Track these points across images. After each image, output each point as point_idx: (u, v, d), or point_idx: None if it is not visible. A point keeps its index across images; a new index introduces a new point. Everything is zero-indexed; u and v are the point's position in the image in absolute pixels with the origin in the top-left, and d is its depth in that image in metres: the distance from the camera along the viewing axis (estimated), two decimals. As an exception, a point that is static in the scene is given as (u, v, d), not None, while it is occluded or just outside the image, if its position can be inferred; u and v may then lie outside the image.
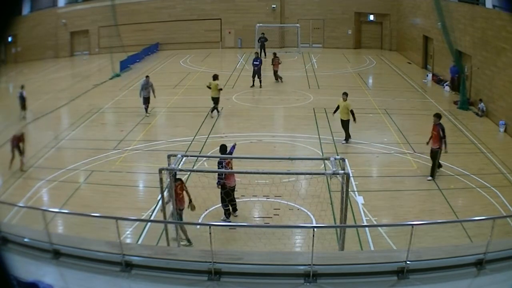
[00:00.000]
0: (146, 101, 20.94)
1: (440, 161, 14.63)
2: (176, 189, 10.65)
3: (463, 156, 16.36)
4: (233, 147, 13.30)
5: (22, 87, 21.17)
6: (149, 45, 37.48)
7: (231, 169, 12.01)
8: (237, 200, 12.59)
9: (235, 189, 12.36)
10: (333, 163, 9.05)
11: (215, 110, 20.82)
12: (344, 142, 17.55)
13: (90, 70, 33.12)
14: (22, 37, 32.92)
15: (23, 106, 20.93)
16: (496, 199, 13.00)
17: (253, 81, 25.97)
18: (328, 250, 9.61)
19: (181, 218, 10.97)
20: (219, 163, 12.07)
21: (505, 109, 19.16)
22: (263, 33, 35.30)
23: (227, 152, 12.59)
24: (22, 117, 20.86)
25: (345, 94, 17.53)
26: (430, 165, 14.78)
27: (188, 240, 10.78)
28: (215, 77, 20.64)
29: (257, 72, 25.73)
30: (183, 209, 11.04)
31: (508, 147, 17.54)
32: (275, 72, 27.17)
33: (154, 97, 21.15)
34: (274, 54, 27.74)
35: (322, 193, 11.96)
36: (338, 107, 17.60)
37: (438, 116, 14.79)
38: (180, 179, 10.91)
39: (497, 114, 19.74)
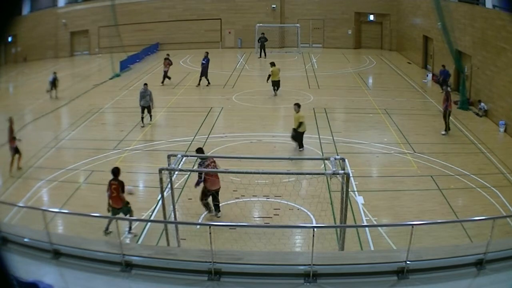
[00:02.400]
0: (144, 110, 19.56)
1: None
2: (111, 188, 10.93)
3: (463, 156, 16.36)
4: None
5: (55, 72, 24.53)
6: (149, 45, 37.48)
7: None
8: (237, 200, 12.59)
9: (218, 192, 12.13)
10: (333, 163, 9.05)
11: (275, 90, 24.04)
12: (301, 149, 16.66)
13: (90, 70, 33.13)
14: (22, 37, 32.93)
15: (55, 87, 24.39)
16: (496, 199, 13.00)
17: (200, 80, 26.14)
18: (328, 250, 9.61)
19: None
20: (200, 164, 11.87)
21: (505, 109, 19.15)
22: (263, 33, 35.31)
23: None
24: (55, 97, 24.34)
25: (297, 105, 16.76)
26: (430, 164, 15.06)
27: (107, 229, 10.89)
28: (273, 64, 23.81)
29: (202, 71, 25.92)
30: (117, 208, 11.01)
31: (508, 147, 17.54)
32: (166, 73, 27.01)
33: (152, 107, 19.82)
34: (167, 55, 27.92)
35: (322, 193, 11.95)
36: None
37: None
38: (117, 180, 11.05)
39: (497, 114, 19.74)
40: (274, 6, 39.18)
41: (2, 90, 27.39)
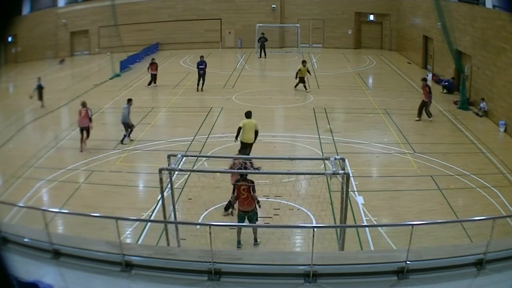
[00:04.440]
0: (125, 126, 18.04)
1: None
2: (240, 189, 10.43)
3: (463, 156, 16.36)
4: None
5: (39, 78, 22.66)
6: (149, 45, 37.47)
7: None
8: (237, 200, 12.55)
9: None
10: (333, 163, 9.04)
11: (300, 86, 24.86)
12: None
13: (90, 70, 33.13)
14: (22, 37, 32.92)
15: (41, 96, 22.40)
16: (496, 199, 13.00)
17: (198, 84, 25.54)
18: (328, 250, 9.60)
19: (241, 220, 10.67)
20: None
21: (505, 109, 19.16)
22: (263, 33, 35.31)
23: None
24: (42, 106, 22.35)
25: (249, 113, 15.52)
26: (430, 164, 15.12)
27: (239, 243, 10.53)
28: (304, 62, 24.78)
29: (202, 76, 25.36)
30: (245, 211, 10.63)
31: (508, 147, 17.54)
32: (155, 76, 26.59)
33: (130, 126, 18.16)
34: (153, 59, 27.62)
35: (322, 193, 11.94)
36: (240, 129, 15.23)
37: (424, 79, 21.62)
38: (247, 180, 10.55)
39: (497, 114, 19.74)
40: (274, 6, 39.18)
41: (2, 90, 27.38)
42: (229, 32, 39.70)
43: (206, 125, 19.72)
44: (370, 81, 29.35)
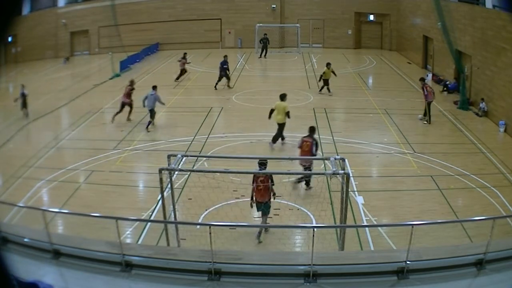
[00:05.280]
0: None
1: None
2: (257, 180, 10.76)
3: (463, 156, 16.36)
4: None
5: (23, 86, 21.15)
6: (149, 45, 37.48)
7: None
8: (237, 200, 12.58)
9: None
10: (333, 163, 9.04)
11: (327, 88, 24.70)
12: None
13: (90, 70, 33.13)
14: (22, 37, 32.93)
15: (25, 105, 20.98)
16: (496, 199, 13.00)
17: (217, 84, 25.73)
18: (328, 250, 9.60)
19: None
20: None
21: (505, 109, 19.16)
22: (265, 34, 35.31)
23: None
24: (26, 115, 21.03)
25: (283, 95, 17.33)
26: (430, 164, 15.19)
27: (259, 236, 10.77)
28: (329, 64, 24.46)
29: (226, 75, 25.68)
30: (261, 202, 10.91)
31: (508, 147, 17.54)
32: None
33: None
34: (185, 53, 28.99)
35: (322, 193, 11.95)
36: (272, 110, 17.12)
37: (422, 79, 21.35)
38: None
39: (497, 114, 19.74)
40: (274, 6, 39.18)
41: (2, 90, 27.38)
42: (229, 32, 39.70)
43: (206, 125, 19.72)
44: (370, 81, 29.34)
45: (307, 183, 13.36)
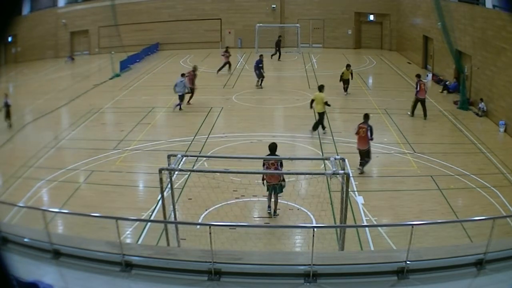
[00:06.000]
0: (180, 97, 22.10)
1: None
2: (269, 164, 11.77)
3: (463, 156, 16.36)
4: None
5: (6, 95, 20.24)
6: (149, 45, 37.48)
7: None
8: (237, 200, 12.58)
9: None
10: (333, 163, 9.04)
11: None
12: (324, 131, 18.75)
13: (90, 70, 33.13)
14: (22, 37, 32.94)
15: (8, 115, 19.79)
16: (496, 199, 13.00)
17: (261, 82, 26.04)
18: (328, 250, 9.60)
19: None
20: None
21: (505, 109, 19.15)
22: (280, 36, 35.43)
23: None
24: (9, 126, 19.82)
25: (321, 86, 18.95)
26: (430, 164, 15.12)
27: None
28: (348, 66, 24.57)
29: (260, 74, 25.89)
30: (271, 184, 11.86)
31: (508, 147, 17.54)
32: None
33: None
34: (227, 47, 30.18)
35: (322, 193, 11.95)
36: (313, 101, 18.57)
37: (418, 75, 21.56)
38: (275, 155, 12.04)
39: (497, 114, 19.74)
40: (274, 6, 39.17)
41: (2, 90, 27.38)
42: (229, 32, 39.70)
43: (206, 125, 19.72)
44: (370, 81, 29.34)
45: (363, 164, 14.87)
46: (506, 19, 18.44)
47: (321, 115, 18.42)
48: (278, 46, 34.34)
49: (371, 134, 14.59)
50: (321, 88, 18.74)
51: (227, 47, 30.94)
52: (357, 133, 14.79)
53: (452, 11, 23.19)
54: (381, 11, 38.29)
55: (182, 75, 22.09)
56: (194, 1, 39.20)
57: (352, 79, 24.77)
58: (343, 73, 24.50)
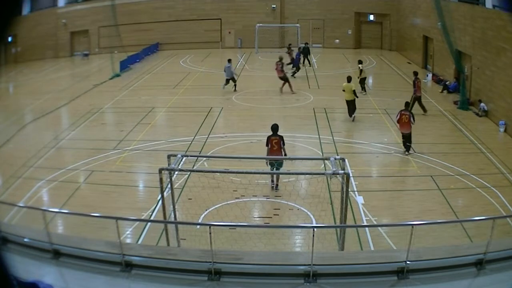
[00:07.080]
0: (228, 81, 24.56)
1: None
2: (272, 142, 13.22)
3: (463, 156, 16.36)
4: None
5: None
6: (149, 45, 37.49)
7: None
8: (237, 200, 12.57)
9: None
10: (333, 163, 9.04)
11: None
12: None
13: (90, 70, 33.13)
14: (22, 37, 32.94)
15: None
16: (496, 199, 12.99)
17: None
18: (328, 250, 9.60)
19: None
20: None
21: (505, 109, 19.15)
22: (306, 43, 33.59)
23: None
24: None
25: (349, 78, 20.37)
26: (430, 164, 15.13)
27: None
28: (362, 67, 24.94)
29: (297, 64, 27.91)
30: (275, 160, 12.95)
31: (508, 147, 17.54)
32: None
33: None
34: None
35: (322, 193, 11.96)
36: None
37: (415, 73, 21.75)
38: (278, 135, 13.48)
39: (497, 114, 19.74)
40: (274, 6, 39.18)
41: (2, 90, 27.39)
42: (229, 32, 39.70)
43: (206, 125, 19.72)
44: (370, 81, 29.32)
45: (408, 149, 16.29)
46: (506, 19, 18.43)
47: (351, 102, 20.04)
48: (306, 54, 31.59)
49: (413, 119, 16.24)
50: (349, 79, 20.15)
51: (289, 44, 31.59)
52: (400, 119, 16.29)
53: (452, 11, 23.19)
54: (381, 11, 38.30)
55: (229, 60, 24.25)
56: (194, 1, 39.21)
57: (357, 78, 24.34)
58: (361, 70, 24.60)
